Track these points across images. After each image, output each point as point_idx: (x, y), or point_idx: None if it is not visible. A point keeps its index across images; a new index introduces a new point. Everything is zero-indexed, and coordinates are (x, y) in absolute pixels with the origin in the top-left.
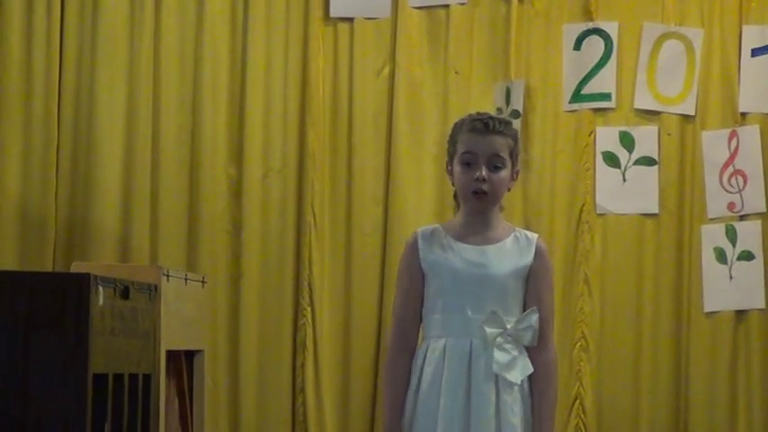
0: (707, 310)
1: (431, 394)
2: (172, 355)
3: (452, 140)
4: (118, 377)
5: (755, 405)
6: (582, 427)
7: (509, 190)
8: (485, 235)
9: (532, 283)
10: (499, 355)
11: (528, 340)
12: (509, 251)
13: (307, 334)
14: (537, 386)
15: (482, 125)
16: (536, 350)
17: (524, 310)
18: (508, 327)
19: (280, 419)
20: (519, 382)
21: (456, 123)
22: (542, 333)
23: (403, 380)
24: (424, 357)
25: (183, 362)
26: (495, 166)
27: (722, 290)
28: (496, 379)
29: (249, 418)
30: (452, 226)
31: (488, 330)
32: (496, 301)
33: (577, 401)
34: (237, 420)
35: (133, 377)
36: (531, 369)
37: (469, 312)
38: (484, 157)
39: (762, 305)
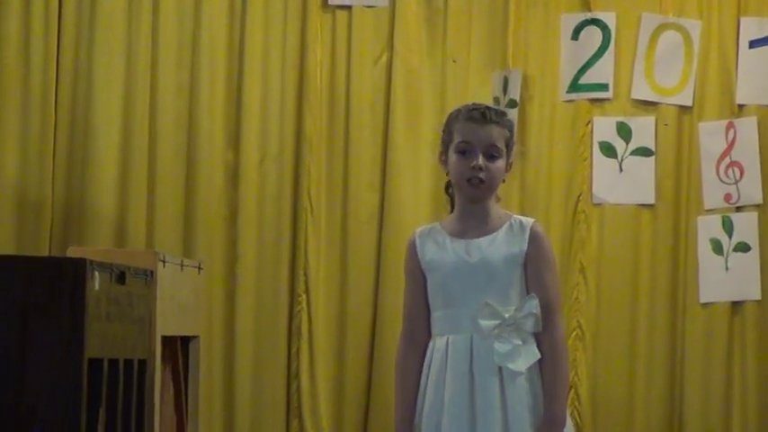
0: (702, 300)
1: (436, 391)
2: (167, 340)
3: (447, 130)
4: (113, 362)
5: (750, 396)
6: (577, 416)
7: (504, 181)
8: (479, 228)
9: (531, 268)
10: (499, 346)
11: (531, 327)
12: (501, 240)
13: (302, 320)
14: (545, 368)
15: (479, 115)
16: (543, 333)
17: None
18: (507, 316)
19: (274, 405)
20: (523, 371)
21: (451, 114)
22: (548, 315)
23: (413, 376)
24: (431, 355)
25: (178, 347)
26: (491, 156)
27: (718, 281)
28: (500, 370)
29: (244, 404)
30: (449, 222)
31: (483, 323)
32: (493, 292)
33: (572, 390)
34: (232, 406)
35: (128, 363)
36: (537, 356)
37: (467, 307)
38: (481, 147)
39: (757, 296)
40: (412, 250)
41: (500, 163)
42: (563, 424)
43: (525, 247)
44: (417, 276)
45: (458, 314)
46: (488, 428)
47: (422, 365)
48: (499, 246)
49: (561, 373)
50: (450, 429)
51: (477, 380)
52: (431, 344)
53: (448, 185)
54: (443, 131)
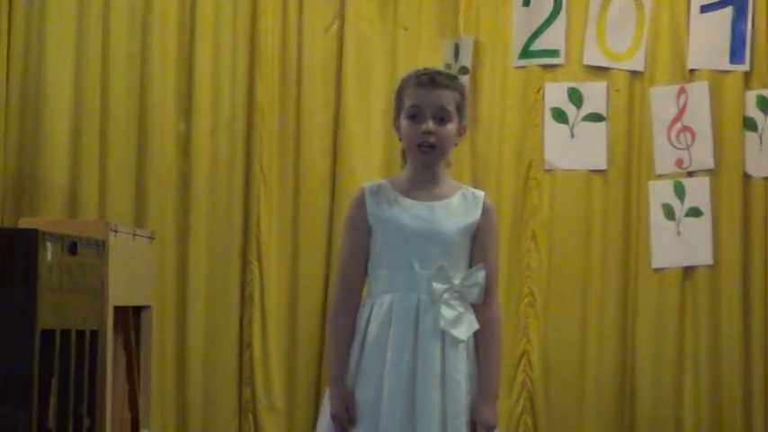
0: (654, 266)
1: (377, 349)
2: (119, 310)
3: (399, 96)
4: (65, 333)
5: (702, 361)
6: (529, 383)
7: (456, 145)
8: (432, 191)
9: (479, 240)
10: (446, 311)
11: (475, 297)
12: (456, 207)
13: (254, 289)
14: (482, 343)
15: (428, 79)
16: (481, 307)
17: (470, 268)
18: (455, 282)
19: (227, 374)
20: (465, 339)
21: (403, 79)
22: (487, 290)
23: (347, 334)
24: (369, 312)
25: (130, 317)
26: (441, 119)
27: (670, 246)
28: (442, 335)
29: (196, 374)
30: (399, 181)
31: (436, 286)
32: (444, 257)
33: (524, 357)
34: (185, 376)
35: (81, 333)
36: (476, 326)
37: (417, 267)
38: (430, 111)
39: (709, 261)
40: (360, 205)
41: (451, 126)
42: (497, 396)
43: (478, 217)
44: (363, 232)
45: (406, 275)
46: (427, 391)
47: (354, 323)
48: (454, 213)
49: (497, 347)
50: (389, 389)
51: (420, 343)
52: (370, 301)
53: (404, 150)
54: (395, 97)
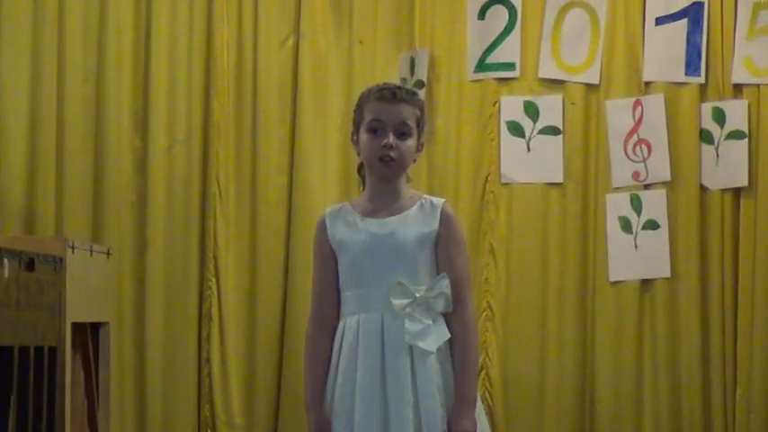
0: (612, 279)
1: (348, 371)
2: (77, 327)
3: (359, 109)
4: (23, 350)
5: (661, 374)
6: (488, 398)
7: (414, 161)
8: (391, 207)
9: (442, 248)
10: (410, 325)
11: (441, 307)
12: (413, 219)
13: (212, 305)
14: (456, 349)
15: (390, 94)
16: (453, 314)
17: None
18: (418, 296)
19: (186, 391)
20: (433, 350)
21: (362, 93)
22: (458, 296)
23: (322, 357)
24: (342, 335)
25: (88, 334)
26: (402, 134)
27: (627, 259)
28: (411, 349)
29: (155, 390)
30: (359, 202)
31: (395, 302)
32: (404, 271)
33: (483, 372)
34: (143, 392)
35: (38, 350)
36: (447, 335)
37: (377, 286)
38: (391, 125)
39: (667, 274)
40: (321, 230)
41: (411, 141)
42: (474, 404)
43: (436, 226)
44: (327, 256)
45: (369, 293)
46: (399, 408)
47: (331, 346)
48: (410, 225)
49: (472, 354)
50: (361, 409)
51: (389, 359)
52: (341, 324)
53: (360, 167)
54: (354, 111)
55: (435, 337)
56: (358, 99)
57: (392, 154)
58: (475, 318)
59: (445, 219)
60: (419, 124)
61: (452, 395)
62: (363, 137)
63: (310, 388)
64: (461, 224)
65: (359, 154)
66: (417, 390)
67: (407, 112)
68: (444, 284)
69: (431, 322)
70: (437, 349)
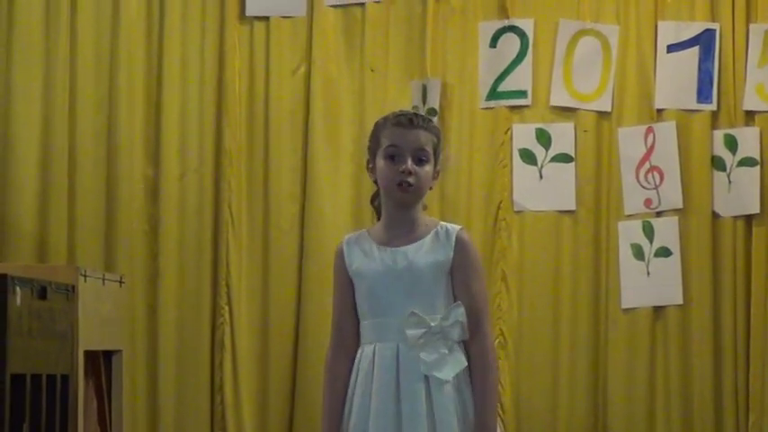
0: (624, 306)
1: (363, 400)
2: (90, 355)
3: (375, 137)
4: (36, 378)
5: (673, 401)
6: (500, 425)
7: (431, 189)
8: (406, 236)
9: (457, 275)
10: (426, 356)
11: (457, 335)
12: (428, 247)
13: (225, 333)
14: (475, 377)
15: (407, 120)
16: (471, 341)
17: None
18: (433, 325)
19: (198, 418)
20: (449, 379)
21: (378, 121)
22: (476, 322)
23: (341, 384)
24: (358, 363)
25: (101, 362)
26: (420, 160)
27: (639, 286)
28: (426, 379)
29: (168, 418)
30: (376, 231)
31: (409, 332)
32: (420, 300)
33: None
34: (156, 420)
35: (51, 378)
36: (464, 364)
37: (393, 316)
38: (409, 151)
39: (679, 301)
40: (339, 258)
41: (428, 167)
42: (494, 431)
43: (451, 254)
44: (345, 284)
45: (384, 323)
46: None
47: (350, 374)
48: (425, 253)
49: (491, 382)
50: None
51: (404, 389)
52: (359, 352)
53: (374, 197)
54: (370, 139)
55: (451, 366)
56: (373, 127)
57: (410, 180)
58: (493, 345)
59: (460, 246)
60: (435, 151)
61: (471, 424)
62: (380, 163)
63: (328, 415)
64: (477, 251)
65: (375, 182)
66: (434, 419)
67: (425, 139)
68: (460, 313)
69: (446, 351)
70: (455, 377)
